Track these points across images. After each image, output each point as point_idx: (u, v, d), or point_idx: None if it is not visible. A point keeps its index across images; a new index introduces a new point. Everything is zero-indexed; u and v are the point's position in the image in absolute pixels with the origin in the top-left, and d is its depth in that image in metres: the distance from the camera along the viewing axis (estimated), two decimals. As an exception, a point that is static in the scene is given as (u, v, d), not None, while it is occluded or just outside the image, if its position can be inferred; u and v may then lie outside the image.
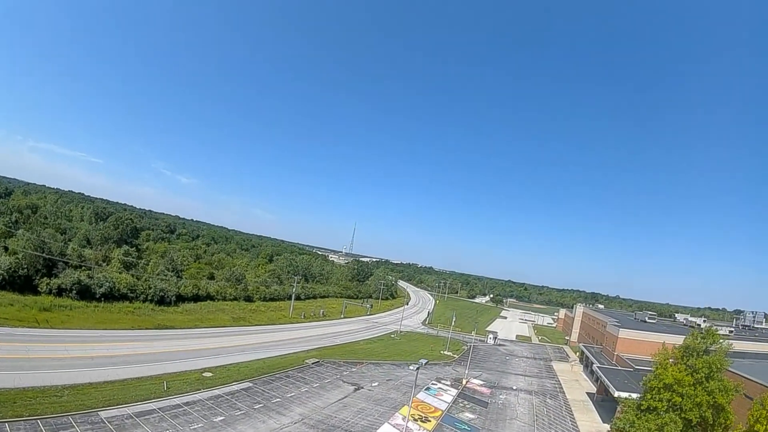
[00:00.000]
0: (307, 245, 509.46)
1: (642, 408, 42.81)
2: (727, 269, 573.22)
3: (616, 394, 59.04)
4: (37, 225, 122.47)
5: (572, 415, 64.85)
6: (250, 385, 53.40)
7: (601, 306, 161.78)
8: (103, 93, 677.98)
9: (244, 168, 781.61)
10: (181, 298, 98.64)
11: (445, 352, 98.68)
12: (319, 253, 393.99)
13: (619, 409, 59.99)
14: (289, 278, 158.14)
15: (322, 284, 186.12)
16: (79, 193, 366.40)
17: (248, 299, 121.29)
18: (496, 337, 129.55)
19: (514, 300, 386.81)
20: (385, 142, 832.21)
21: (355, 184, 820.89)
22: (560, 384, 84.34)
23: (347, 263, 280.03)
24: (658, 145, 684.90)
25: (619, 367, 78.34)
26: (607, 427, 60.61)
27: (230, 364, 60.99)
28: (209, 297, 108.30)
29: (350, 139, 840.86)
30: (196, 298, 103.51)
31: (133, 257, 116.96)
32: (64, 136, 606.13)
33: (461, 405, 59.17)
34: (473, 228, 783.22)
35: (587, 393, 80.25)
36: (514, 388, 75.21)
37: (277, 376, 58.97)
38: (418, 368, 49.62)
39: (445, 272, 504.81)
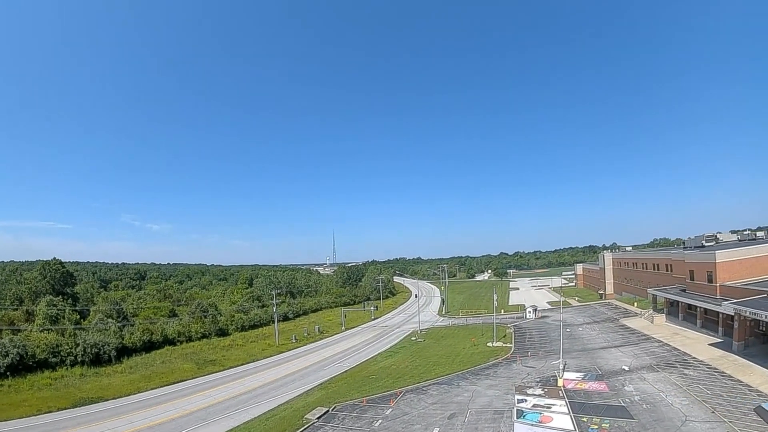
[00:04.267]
0: (291, 264, 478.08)
1: None
2: (709, 193, 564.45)
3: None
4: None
5: (738, 380, 42.19)
6: None
7: (629, 249, 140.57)
8: (55, 151, 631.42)
9: (213, 203, 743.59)
10: (125, 352, 75.06)
11: (494, 344, 73.18)
12: (304, 268, 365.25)
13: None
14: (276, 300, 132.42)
15: (311, 297, 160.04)
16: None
17: (222, 333, 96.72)
18: (536, 309, 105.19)
19: (515, 270, 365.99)
20: (348, 150, 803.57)
21: (329, 195, 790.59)
22: (668, 344, 60.41)
23: (334, 272, 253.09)
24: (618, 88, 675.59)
25: (737, 299, 54.31)
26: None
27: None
28: (168, 341, 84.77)
29: (314, 155, 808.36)
30: (149, 347, 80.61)
31: (58, 308, 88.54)
32: (28, 207, 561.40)
33: (593, 428, 33.50)
34: (452, 210, 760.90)
35: (711, 345, 57.36)
36: (626, 368, 50.38)
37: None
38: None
39: (433, 260, 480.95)
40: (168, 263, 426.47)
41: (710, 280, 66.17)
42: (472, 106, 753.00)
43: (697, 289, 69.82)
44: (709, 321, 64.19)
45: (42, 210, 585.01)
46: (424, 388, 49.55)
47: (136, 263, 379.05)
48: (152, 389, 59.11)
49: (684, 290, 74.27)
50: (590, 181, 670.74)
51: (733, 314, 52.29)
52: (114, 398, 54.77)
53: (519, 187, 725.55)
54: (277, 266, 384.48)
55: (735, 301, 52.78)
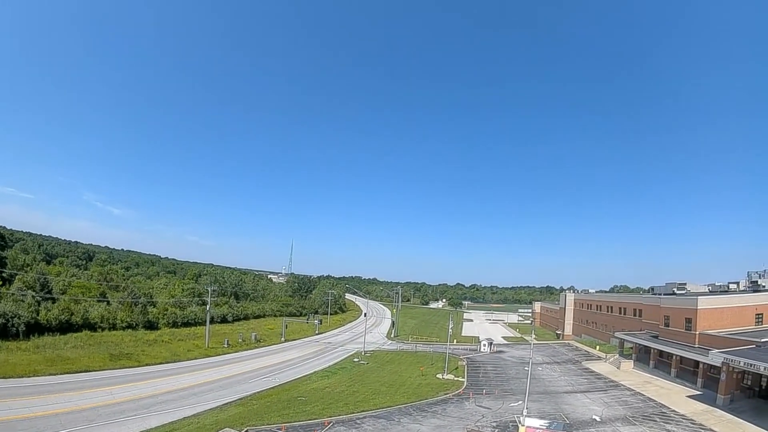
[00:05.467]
0: (247, 269, 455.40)
1: None
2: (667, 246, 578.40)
3: None
4: None
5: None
6: None
7: (593, 291, 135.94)
8: (22, 118, 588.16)
9: (177, 195, 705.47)
10: (38, 328, 66.49)
11: (445, 376, 64.38)
12: (257, 272, 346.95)
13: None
14: (215, 298, 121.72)
15: (257, 302, 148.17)
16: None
17: (150, 326, 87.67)
18: (492, 343, 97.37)
19: (470, 302, 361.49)
20: (319, 158, 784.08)
21: (294, 204, 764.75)
22: (641, 393, 53.58)
23: (286, 281, 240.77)
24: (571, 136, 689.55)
25: (721, 349, 47.85)
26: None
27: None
28: (88, 325, 75.85)
29: (284, 160, 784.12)
30: (66, 328, 71.42)
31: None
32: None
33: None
34: (413, 236, 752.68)
35: (690, 397, 51.12)
36: (598, 419, 42.53)
37: None
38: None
39: (389, 282, 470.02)
40: (122, 249, 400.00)
41: (689, 328, 60.02)
42: (442, 136, 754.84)
43: (673, 336, 63.54)
44: (685, 371, 57.81)
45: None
46: (358, 421, 40.00)
47: (89, 244, 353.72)
48: (51, 375, 50.26)
49: (656, 336, 68.13)
50: (551, 224, 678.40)
51: (719, 365, 45.97)
52: (3, 377, 45.86)
53: (480, 222, 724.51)
54: (231, 268, 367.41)
55: (725, 350, 46.11)
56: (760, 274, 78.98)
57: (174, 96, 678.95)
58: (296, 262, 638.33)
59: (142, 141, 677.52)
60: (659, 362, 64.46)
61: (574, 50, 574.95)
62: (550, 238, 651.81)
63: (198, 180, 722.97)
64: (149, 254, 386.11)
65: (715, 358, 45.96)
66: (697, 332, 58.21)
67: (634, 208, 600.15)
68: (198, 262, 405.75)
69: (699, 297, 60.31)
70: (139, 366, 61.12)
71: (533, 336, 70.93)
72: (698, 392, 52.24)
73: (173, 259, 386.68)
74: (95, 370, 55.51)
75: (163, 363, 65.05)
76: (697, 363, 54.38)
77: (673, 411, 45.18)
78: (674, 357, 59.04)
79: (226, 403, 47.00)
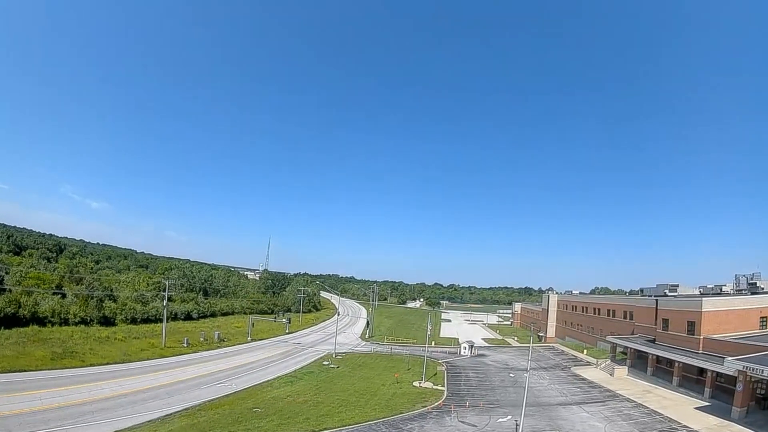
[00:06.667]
0: (225, 265, 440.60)
1: None
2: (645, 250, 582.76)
3: None
4: None
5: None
6: None
7: (576, 292, 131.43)
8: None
9: (157, 190, 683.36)
10: None
11: (422, 384, 57.54)
12: (233, 269, 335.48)
13: None
14: (181, 294, 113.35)
15: (227, 299, 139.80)
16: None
17: (107, 322, 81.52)
18: (473, 346, 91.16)
19: (448, 302, 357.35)
20: (297, 158, 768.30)
21: (272, 202, 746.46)
22: (644, 405, 47.58)
23: (260, 277, 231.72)
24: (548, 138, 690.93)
25: (731, 355, 42.11)
26: None
27: None
28: (36, 320, 70.87)
29: (261, 154, 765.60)
30: (12, 322, 66.56)
31: None
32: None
33: None
34: (391, 234, 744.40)
35: (698, 409, 45.34)
36: (601, 439, 36.16)
37: None
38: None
39: (367, 281, 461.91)
40: (97, 243, 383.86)
41: (692, 332, 54.42)
42: (422, 137, 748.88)
43: (672, 340, 57.98)
44: (688, 379, 52.37)
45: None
46: (318, 442, 32.89)
47: (64, 237, 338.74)
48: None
49: (653, 341, 62.60)
50: (530, 226, 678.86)
51: (733, 374, 40.47)
52: None
53: (459, 222, 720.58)
54: (207, 265, 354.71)
55: (743, 357, 40.41)
56: (748, 277, 74.56)
57: (159, 93, 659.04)
58: (274, 260, 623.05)
59: (122, 135, 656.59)
60: (658, 369, 58.92)
61: (559, 53, 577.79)
62: (529, 240, 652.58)
63: (179, 175, 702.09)
64: (124, 248, 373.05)
65: (730, 365, 40.24)
66: (702, 337, 52.70)
67: (612, 211, 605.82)
68: (174, 257, 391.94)
69: (703, 298, 54.90)
70: (82, 366, 55.19)
71: (527, 339, 64.43)
72: (706, 403, 46.69)
73: (149, 254, 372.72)
74: (32, 370, 49.66)
75: (110, 363, 58.84)
76: (701, 371, 49.25)
77: (685, 427, 39.26)
78: (677, 364, 53.38)
79: (170, 414, 40.54)
